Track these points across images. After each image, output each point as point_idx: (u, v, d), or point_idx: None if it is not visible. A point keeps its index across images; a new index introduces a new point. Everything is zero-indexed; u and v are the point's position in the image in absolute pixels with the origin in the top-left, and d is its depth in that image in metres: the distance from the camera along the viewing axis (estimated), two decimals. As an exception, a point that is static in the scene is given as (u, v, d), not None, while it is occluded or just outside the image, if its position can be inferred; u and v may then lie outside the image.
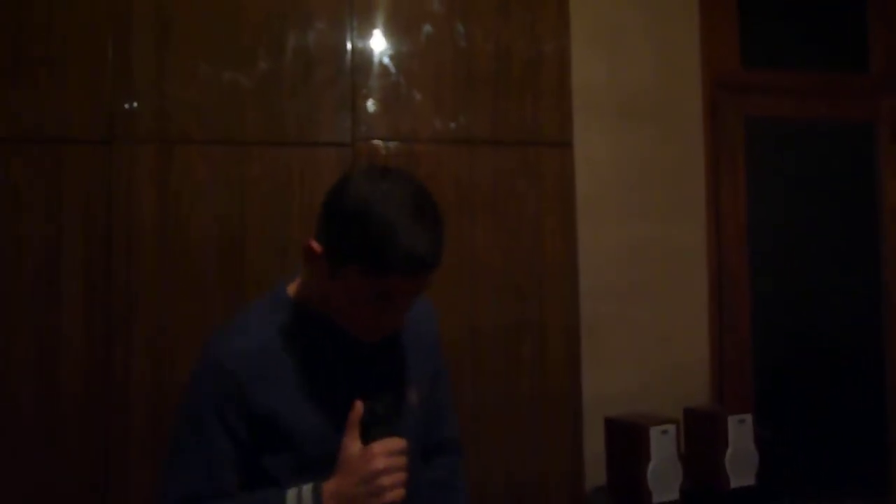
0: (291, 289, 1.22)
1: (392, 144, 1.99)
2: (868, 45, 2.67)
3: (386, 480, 1.06)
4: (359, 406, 1.11)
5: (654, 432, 2.01)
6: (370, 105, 1.99)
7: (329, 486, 1.09)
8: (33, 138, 1.87)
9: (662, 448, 2.02)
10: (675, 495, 2.03)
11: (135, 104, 1.90)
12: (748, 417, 2.11)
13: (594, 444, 2.14)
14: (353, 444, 1.09)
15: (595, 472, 2.17)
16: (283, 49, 1.96)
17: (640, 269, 2.37)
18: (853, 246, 2.62)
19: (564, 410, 2.04)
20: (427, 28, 2.03)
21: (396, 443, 1.10)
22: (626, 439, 2.07)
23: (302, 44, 1.97)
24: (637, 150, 2.40)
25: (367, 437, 1.10)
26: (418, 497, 1.23)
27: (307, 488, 1.09)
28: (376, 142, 1.99)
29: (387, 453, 1.08)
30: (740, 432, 2.09)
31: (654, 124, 2.42)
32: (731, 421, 2.09)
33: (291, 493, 1.10)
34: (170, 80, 1.92)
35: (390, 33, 2.02)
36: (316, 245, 1.11)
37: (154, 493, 1.19)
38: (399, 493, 1.08)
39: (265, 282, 1.92)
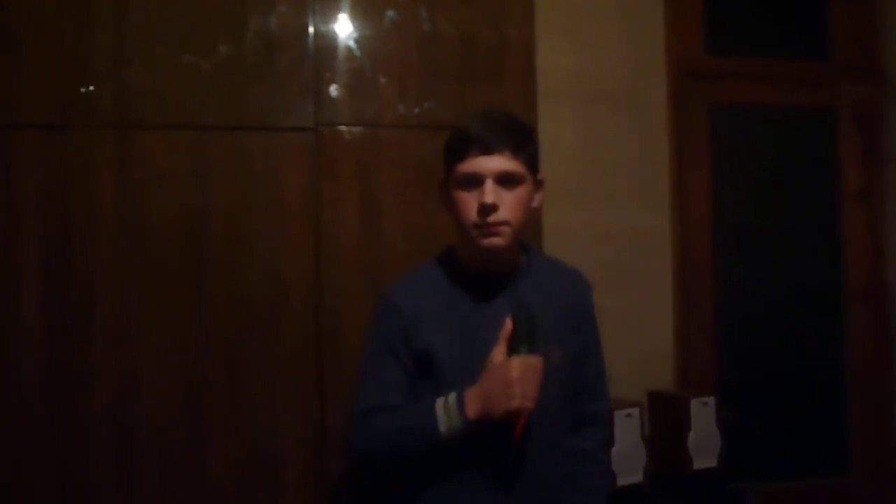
0: (454, 247, 1.48)
1: (356, 129, 1.98)
2: (830, 32, 2.70)
3: (518, 389, 1.24)
4: (508, 323, 1.30)
5: (619, 415, 2.03)
6: (334, 90, 1.97)
7: (473, 389, 1.29)
8: (-15, 123, 1.83)
9: (627, 431, 2.04)
10: (639, 477, 2.06)
11: (91, 88, 1.86)
12: (711, 400, 2.14)
13: (560, 428, 2.15)
14: (499, 354, 1.29)
15: (561, 456, 2.18)
16: (244, 32, 1.94)
17: (605, 255, 2.38)
18: (815, 231, 2.66)
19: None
20: (390, 13, 2.01)
21: (534, 360, 1.28)
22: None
23: (263, 27, 1.94)
24: (602, 136, 2.41)
25: (512, 351, 1.28)
26: (558, 458, 1.44)
27: (452, 394, 1.31)
28: (341, 127, 1.97)
29: (524, 367, 1.26)
30: (703, 415, 2.12)
31: (620, 111, 2.43)
32: (694, 404, 2.11)
33: (440, 399, 1.32)
34: (128, 64, 1.88)
35: (354, 17, 2.00)
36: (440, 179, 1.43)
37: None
38: (528, 402, 1.25)
39: (228, 269, 1.90)
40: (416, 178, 1.99)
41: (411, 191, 1.99)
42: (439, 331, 1.38)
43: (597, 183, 2.41)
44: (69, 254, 1.84)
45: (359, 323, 1.85)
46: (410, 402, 1.38)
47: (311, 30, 1.96)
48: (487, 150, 1.32)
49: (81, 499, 1.82)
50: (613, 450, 2.01)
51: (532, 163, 1.39)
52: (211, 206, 1.91)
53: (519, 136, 1.36)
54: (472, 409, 1.27)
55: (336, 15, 1.99)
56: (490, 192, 1.32)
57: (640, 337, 2.41)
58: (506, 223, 1.34)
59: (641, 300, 2.42)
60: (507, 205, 1.34)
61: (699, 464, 2.10)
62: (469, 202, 1.34)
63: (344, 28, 1.99)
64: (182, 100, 1.90)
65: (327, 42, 1.98)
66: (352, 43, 1.99)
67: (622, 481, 2.03)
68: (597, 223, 2.39)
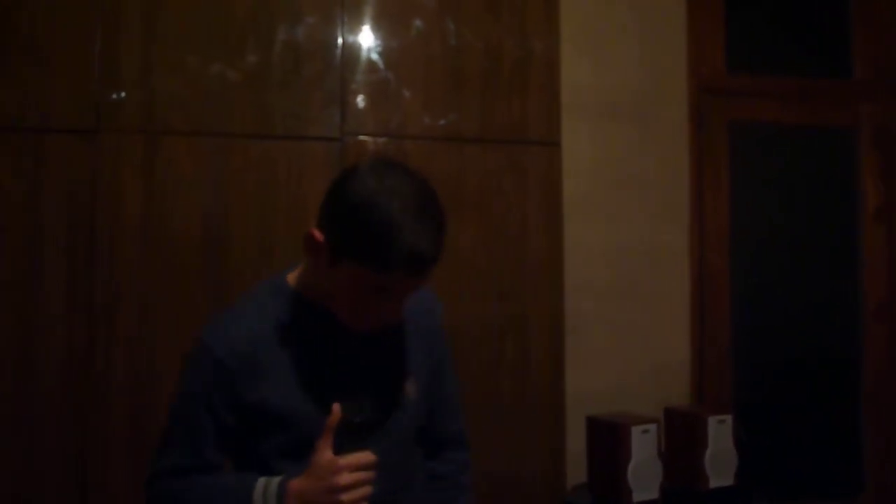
0: (291, 277, 1.22)
1: (380, 140, 1.99)
2: (851, 51, 2.70)
3: (346, 497, 1.06)
4: (336, 411, 1.09)
5: (636, 431, 2.03)
6: (359, 100, 1.99)
7: (294, 485, 1.09)
8: (15, 127, 1.85)
9: (643, 447, 2.03)
10: (654, 494, 2.05)
11: (122, 94, 1.88)
12: (728, 418, 2.13)
13: (576, 442, 2.15)
14: (324, 451, 1.08)
15: (576, 471, 2.18)
16: (272, 42, 1.95)
17: (624, 270, 2.38)
18: (833, 249, 2.65)
19: (546, 409, 2.05)
20: (417, 24, 2.03)
21: (365, 457, 1.09)
22: (608, 438, 2.08)
23: (292, 38, 1.96)
24: (622, 151, 2.41)
25: (340, 447, 1.09)
26: (415, 487, 1.27)
27: (275, 481, 1.11)
28: (364, 137, 1.99)
29: (353, 468, 1.07)
30: (720, 433, 2.11)
31: (640, 126, 2.44)
32: (711, 421, 2.11)
33: (260, 483, 1.11)
34: (157, 72, 1.91)
35: (380, 29, 2.01)
36: (318, 234, 1.10)
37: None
38: None
39: (249, 276, 1.91)
40: (438, 189, 1.98)
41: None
42: (285, 384, 1.16)
43: (616, 197, 2.41)
44: (94, 256, 1.86)
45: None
46: (227, 471, 1.20)
47: (338, 41, 1.98)
48: (416, 276, 1.08)
49: (100, 497, 1.83)
50: (630, 465, 2.01)
51: None
52: (234, 213, 1.92)
53: (443, 245, 1.10)
54: None
55: (363, 27, 2.00)
56: (400, 310, 1.14)
57: (656, 352, 2.41)
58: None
59: (658, 315, 2.42)
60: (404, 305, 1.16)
61: (716, 482, 2.09)
62: (361, 302, 1.12)
63: (370, 40, 2.01)
64: (209, 107, 1.92)
65: (354, 53, 1.99)
66: (377, 54, 2.01)
67: (638, 497, 2.02)
68: (615, 238, 2.40)
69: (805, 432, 2.56)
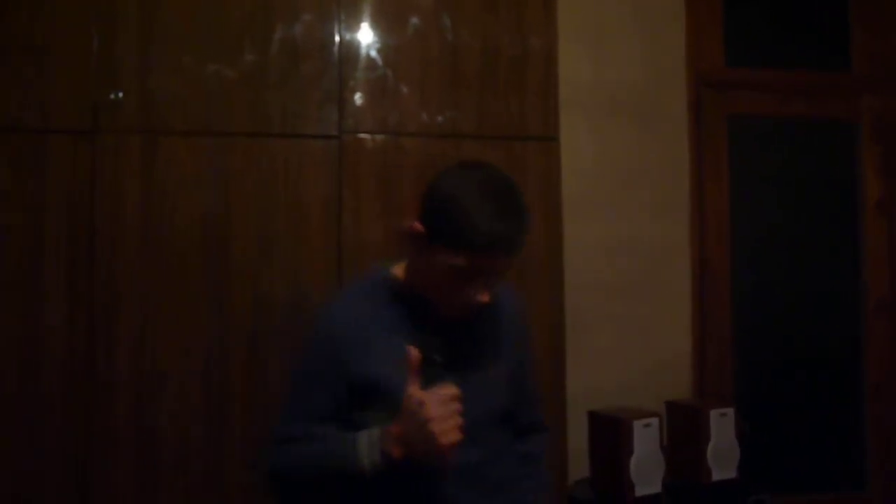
0: (398, 269, 1.39)
1: (379, 137, 1.99)
2: (850, 44, 2.70)
3: (437, 427, 1.15)
4: (415, 353, 1.20)
5: (637, 426, 2.03)
6: (357, 98, 1.99)
7: (392, 429, 1.21)
8: (15, 128, 1.85)
9: (645, 441, 2.03)
10: (657, 488, 2.05)
11: (120, 94, 1.89)
12: (730, 411, 2.13)
13: (577, 437, 2.15)
14: (412, 390, 1.19)
15: (578, 465, 2.18)
16: (269, 41, 1.95)
17: (624, 265, 2.38)
18: (834, 243, 2.65)
19: (548, 404, 2.03)
20: (414, 21, 2.03)
21: (448, 390, 1.19)
22: (610, 433, 2.08)
23: (289, 36, 1.96)
24: (622, 146, 2.41)
25: (426, 384, 1.19)
26: (502, 462, 1.40)
27: (375, 431, 1.23)
28: (363, 135, 1.99)
29: (439, 401, 1.17)
30: (722, 426, 2.11)
31: (639, 121, 2.44)
32: (713, 415, 2.11)
33: (363, 435, 1.24)
34: (155, 71, 1.91)
35: (377, 27, 2.01)
36: (418, 226, 1.27)
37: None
38: (452, 437, 1.16)
39: (249, 274, 1.92)
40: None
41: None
42: (383, 360, 1.30)
43: (616, 193, 2.42)
44: (94, 257, 1.86)
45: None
46: (336, 431, 1.31)
47: (336, 38, 1.98)
48: (496, 258, 1.22)
49: (103, 500, 1.83)
50: (632, 459, 2.01)
51: None
52: (234, 212, 1.93)
53: (526, 234, 1.26)
54: (396, 450, 1.20)
55: (360, 24, 2.00)
56: (485, 294, 1.26)
57: (657, 346, 2.41)
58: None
59: (659, 310, 2.43)
60: (492, 291, 1.29)
61: (718, 475, 2.09)
62: (452, 286, 1.26)
63: (368, 37, 2.01)
64: (207, 106, 1.92)
65: (351, 51, 1.99)
66: (375, 52, 2.01)
67: (640, 492, 2.02)
68: (615, 233, 2.40)
69: (807, 425, 2.56)
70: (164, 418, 1.87)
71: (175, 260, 1.90)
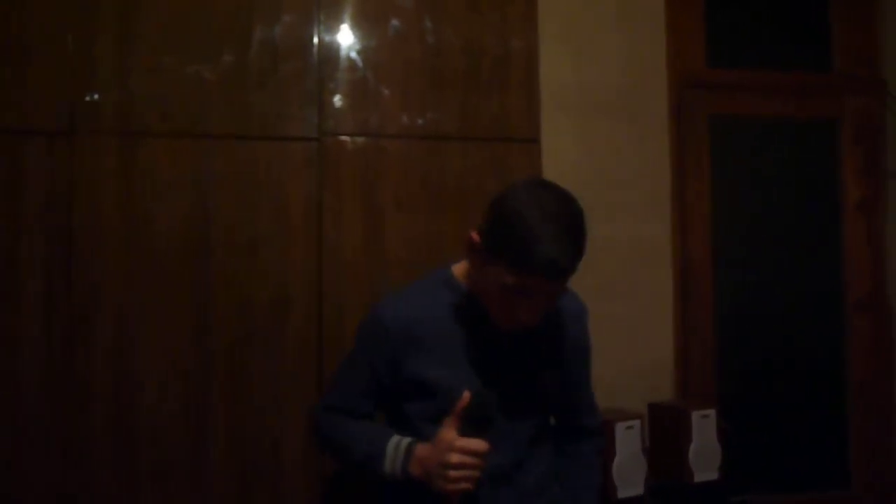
0: (457, 269, 1.43)
1: (359, 140, 1.98)
2: (831, 45, 2.71)
3: (454, 474, 1.23)
4: (466, 396, 1.26)
5: (620, 428, 2.03)
6: (337, 100, 1.98)
7: (419, 451, 1.30)
8: (-9, 130, 1.83)
9: (627, 443, 2.03)
10: (639, 490, 2.05)
11: (96, 96, 1.87)
12: (712, 412, 2.13)
13: (560, 439, 2.15)
14: (448, 429, 1.26)
15: (561, 467, 2.18)
16: (249, 42, 1.94)
17: (606, 266, 2.38)
18: (815, 243, 2.66)
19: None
20: (395, 23, 2.02)
21: (478, 444, 1.25)
22: (593, 434, 2.08)
23: (268, 37, 1.95)
24: (603, 147, 2.41)
25: (463, 429, 1.25)
26: (541, 467, 1.46)
27: (406, 440, 1.33)
28: (343, 137, 1.98)
29: (466, 451, 1.24)
30: (704, 427, 2.11)
31: (621, 122, 2.43)
32: (695, 416, 2.11)
33: (395, 438, 1.34)
34: (133, 73, 1.89)
35: (358, 28, 2.00)
36: (476, 236, 1.30)
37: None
38: (462, 486, 1.25)
39: (232, 277, 1.90)
40: (418, 189, 2.00)
41: (413, 201, 1.99)
42: (437, 361, 1.37)
43: (597, 193, 2.41)
44: (72, 260, 1.85)
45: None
46: (372, 423, 1.44)
47: (315, 40, 1.97)
48: (551, 281, 1.24)
49: (81, 506, 1.81)
50: (614, 462, 2.01)
51: None
52: (214, 215, 1.91)
53: (581, 258, 1.26)
54: (415, 468, 1.30)
55: (340, 25, 1.99)
56: (536, 315, 1.29)
57: (640, 348, 2.41)
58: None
59: (641, 311, 2.42)
60: (544, 311, 1.32)
61: (700, 476, 2.09)
62: (506, 301, 1.28)
63: (348, 38, 2.00)
64: (186, 108, 1.91)
65: (331, 52, 1.98)
66: (355, 53, 2.00)
67: (623, 493, 2.02)
68: (597, 233, 2.36)
69: (790, 425, 2.57)
70: (144, 423, 1.86)
71: (155, 264, 1.88)
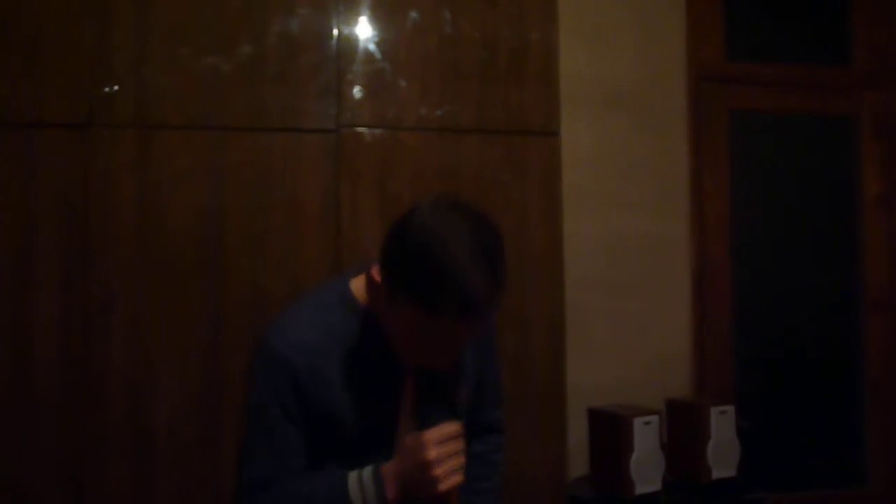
0: (355, 284, 1.24)
1: (377, 132, 1.97)
2: (851, 39, 2.68)
3: (439, 470, 1.08)
4: (409, 388, 1.14)
5: (637, 423, 2.02)
6: (355, 92, 1.96)
7: (387, 469, 1.13)
8: (7, 122, 1.82)
9: (645, 439, 2.02)
10: (657, 486, 2.04)
11: (114, 88, 1.86)
12: (730, 409, 2.12)
13: (577, 434, 2.14)
14: (408, 429, 1.13)
15: (578, 463, 2.17)
16: (266, 34, 1.93)
17: (623, 261, 2.37)
18: (833, 238, 2.64)
19: (547, 401, 2.03)
20: (413, 15, 2.00)
21: (450, 428, 1.11)
22: (610, 430, 2.07)
23: (286, 29, 1.94)
24: (621, 141, 2.40)
25: (423, 420, 1.12)
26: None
27: (367, 471, 1.14)
28: (361, 129, 1.96)
29: (440, 440, 1.09)
30: (722, 423, 2.10)
31: (639, 115, 2.42)
32: (713, 412, 2.10)
33: (353, 476, 1.15)
34: (150, 65, 1.88)
35: (376, 19, 1.99)
36: (376, 273, 1.12)
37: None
38: (455, 479, 1.09)
39: (245, 270, 1.89)
40: (435, 181, 1.98)
41: (431, 193, 1.97)
42: (343, 390, 1.19)
43: (615, 188, 2.40)
44: (88, 252, 1.84)
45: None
46: (312, 471, 1.21)
47: (334, 32, 1.96)
48: (469, 321, 1.05)
49: (96, 498, 1.81)
50: (632, 458, 1.99)
51: None
52: (230, 207, 1.90)
53: (503, 290, 1.07)
54: (392, 490, 1.12)
55: (358, 17, 1.98)
56: (453, 356, 1.16)
57: (657, 343, 2.40)
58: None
59: (658, 306, 2.41)
60: (461, 351, 1.19)
61: (718, 473, 2.08)
62: (415, 343, 1.12)
63: (366, 30, 1.98)
64: (203, 100, 1.89)
65: (349, 44, 1.97)
66: (373, 45, 1.98)
67: (640, 490, 2.01)
68: (615, 228, 2.39)
69: (807, 422, 2.56)
70: (159, 415, 1.85)
71: (170, 255, 1.87)
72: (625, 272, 2.36)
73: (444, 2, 2.02)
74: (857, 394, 2.61)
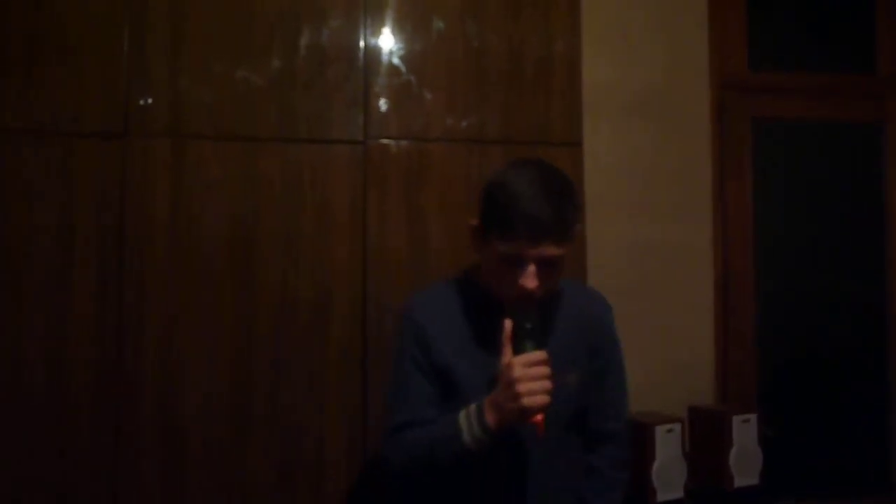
0: (474, 268, 1.48)
1: (403, 143, 2.00)
2: (876, 46, 2.67)
3: (522, 388, 1.22)
4: (508, 323, 1.28)
5: (660, 431, 2.03)
6: (382, 103, 2.00)
7: (488, 400, 1.29)
8: (47, 131, 1.88)
9: (668, 447, 2.04)
10: (679, 494, 2.05)
11: (149, 100, 1.91)
12: (752, 417, 2.13)
13: (599, 441, 2.15)
14: (505, 358, 1.26)
15: (600, 470, 2.18)
16: (296, 46, 1.97)
17: (647, 268, 2.38)
18: (858, 247, 2.63)
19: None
20: (439, 26, 2.04)
21: (536, 355, 1.25)
22: (632, 438, 2.08)
23: (315, 41, 1.98)
24: (644, 149, 2.41)
25: (517, 351, 1.26)
26: (568, 472, 1.48)
27: (473, 405, 1.31)
28: (387, 140, 2.00)
29: (525, 364, 1.24)
30: (744, 431, 2.11)
31: (662, 124, 2.43)
32: (736, 420, 2.10)
33: (463, 412, 1.32)
34: (184, 76, 1.93)
35: (402, 31, 2.03)
36: (473, 221, 1.39)
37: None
38: (538, 399, 1.23)
39: (276, 276, 1.94)
40: (462, 191, 2.01)
41: (457, 203, 2.01)
42: (459, 353, 1.40)
43: (638, 195, 2.41)
44: (123, 258, 1.89)
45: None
46: (441, 414, 1.39)
47: (361, 44, 2.00)
48: (535, 241, 1.27)
49: (130, 496, 1.86)
50: (654, 465, 2.01)
51: (574, 234, 1.34)
52: (261, 214, 1.95)
53: (568, 222, 1.30)
54: (491, 417, 1.27)
55: (385, 29, 2.02)
56: (532, 278, 1.30)
57: (680, 350, 2.41)
58: (541, 294, 1.34)
59: (682, 313, 2.42)
60: (546, 282, 1.33)
61: (740, 481, 2.09)
62: (505, 274, 1.33)
63: (392, 42, 2.02)
64: (235, 111, 1.94)
65: (376, 56, 2.01)
66: (399, 57, 2.02)
67: (662, 497, 2.03)
68: (638, 236, 2.40)
69: (831, 431, 2.55)
70: (191, 417, 1.90)
71: (202, 261, 1.92)
72: (648, 280, 2.38)
73: (469, 13, 2.05)
74: (882, 401, 2.60)
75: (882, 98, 2.65)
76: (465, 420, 1.30)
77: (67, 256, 1.87)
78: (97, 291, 1.88)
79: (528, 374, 1.23)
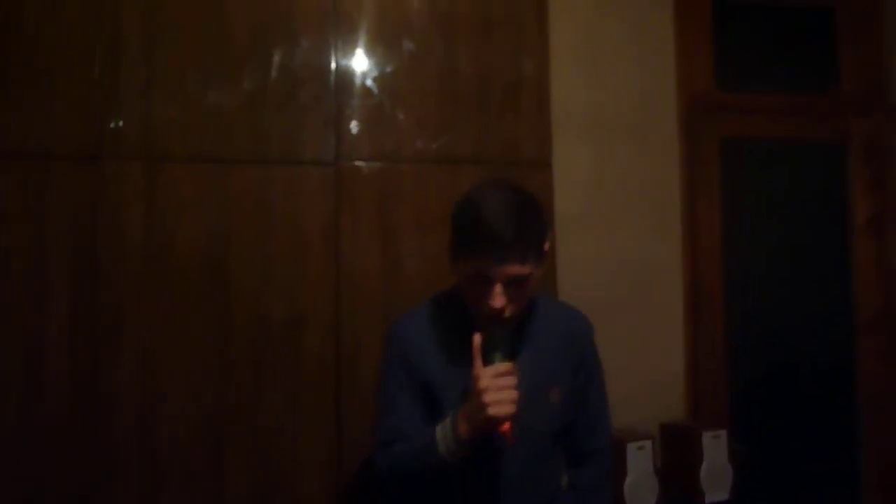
0: (455, 287, 1.48)
1: (375, 165, 2.02)
2: (839, 67, 2.74)
3: (488, 398, 1.26)
4: (478, 336, 1.32)
5: (631, 448, 2.05)
6: (354, 125, 2.02)
7: (460, 412, 1.32)
8: (19, 153, 1.88)
9: (639, 463, 2.06)
10: (651, 509, 2.07)
11: (120, 123, 1.92)
12: (723, 433, 2.15)
13: (572, 458, 2.16)
14: (475, 370, 1.30)
15: (573, 486, 2.19)
16: (268, 68, 1.99)
17: (617, 286, 2.40)
18: (825, 262, 2.68)
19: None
20: (409, 47, 2.07)
21: (503, 366, 1.29)
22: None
23: (287, 63, 2.00)
24: (614, 168, 2.44)
25: (486, 363, 1.30)
26: (544, 489, 1.51)
27: (448, 418, 1.34)
28: (359, 162, 2.02)
29: (493, 375, 1.28)
30: (715, 447, 2.13)
31: (631, 144, 2.47)
32: (706, 437, 2.13)
33: (440, 424, 1.35)
34: (156, 98, 1.94)
35: (373, 53, 2.05)
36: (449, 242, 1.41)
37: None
38: (502, 408, 1.26)
39: (249, 296, 1.95)
40: (434, 211, 2.03)
41: (429, 223, 2.03)
42: (441, 369, 1.44)
43: (609, 213, 2.44)
44: (97, 280, 1.88)
45: (376, 350, 1.89)
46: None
47: (332, 65, 2.02)
48: (500, 261, 1.30)
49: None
50: (626, 482, 2.03)
51: (542, 253, 1.38)
52: (234, 235, 1.95)
53: (533, 241, 1.34)
54: (462, 428, 1.31)
55: (356, 51, 2.04)
56: (498, 297, 1.33)
57: (651, 366, 2.43)
58: (510, 312, 1.37)
59: (652, 330, 2.44)
60: (515, 300, 1.36)
61: (711, 497, 2.11)
62: (475, 292, 1.36)
63: (364, 64, 2.04)
64: (207, 133, 1.96)
65: (348, 78, 2.03)
66: (371, 79, 2.05)
67: (634, 512, 2.04)
68: (609, 253, 2.42)
69: (801, 446, 2.58)
70: (166, 439, 1.89)
71: (177, 282, 1.92)
72: (618, 297, 2.40)
73: (439, 34, 2.08)
74: (851, 416, 2.63)
75: (846, 117, 2.71)
76: (441, 432, 1.34)
77: (41, 279, 1.86)
78: (71, 313, 1.87)
79: (495, 384, 1.27)
